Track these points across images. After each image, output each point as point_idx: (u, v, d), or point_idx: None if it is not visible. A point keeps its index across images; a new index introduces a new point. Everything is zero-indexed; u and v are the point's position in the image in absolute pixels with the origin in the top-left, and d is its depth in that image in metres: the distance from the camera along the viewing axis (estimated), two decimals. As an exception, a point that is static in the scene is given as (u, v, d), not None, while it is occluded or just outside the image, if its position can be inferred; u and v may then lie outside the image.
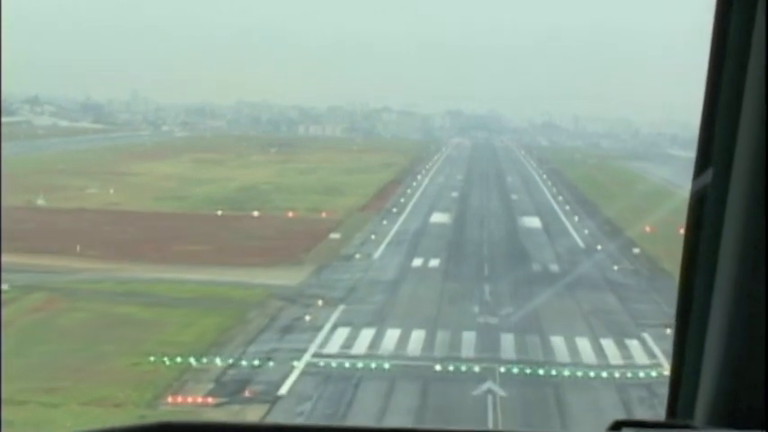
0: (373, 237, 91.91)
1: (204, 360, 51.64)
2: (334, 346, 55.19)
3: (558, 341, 58.06)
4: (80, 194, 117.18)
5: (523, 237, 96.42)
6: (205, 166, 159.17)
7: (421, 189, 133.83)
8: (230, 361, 51.65)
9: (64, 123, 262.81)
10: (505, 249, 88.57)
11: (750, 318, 3.54)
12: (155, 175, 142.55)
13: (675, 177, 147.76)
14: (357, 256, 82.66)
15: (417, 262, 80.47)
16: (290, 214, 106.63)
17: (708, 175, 3.64)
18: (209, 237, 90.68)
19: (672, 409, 3.88)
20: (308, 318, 61.06)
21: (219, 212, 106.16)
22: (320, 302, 64.89)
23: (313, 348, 54.56)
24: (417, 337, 57.50)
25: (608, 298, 69.87)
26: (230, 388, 47.38)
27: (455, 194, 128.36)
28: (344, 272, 75.82)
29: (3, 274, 61.46)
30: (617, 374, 53.14)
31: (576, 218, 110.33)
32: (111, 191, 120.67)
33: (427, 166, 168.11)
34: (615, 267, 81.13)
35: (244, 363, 51.60)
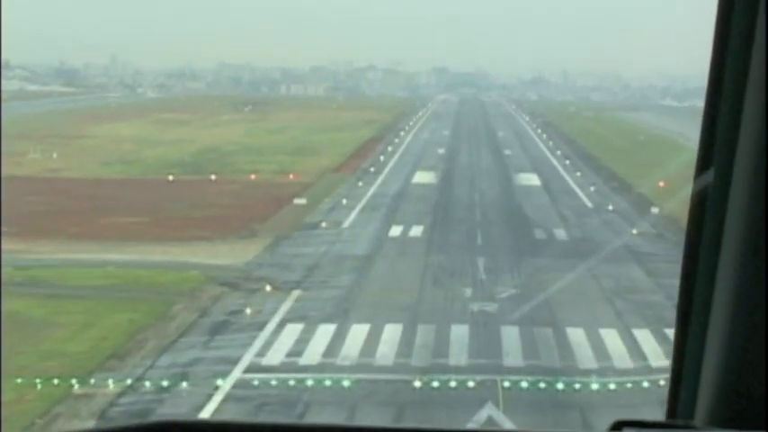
0: (345, 201, 76.65)
1: (92, 381, 36.39)
2: (277, 354, 39.75)
3: (577, 336, 42.87)
4: (19, 160, 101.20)
5: (521, 197, 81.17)
6: (169, 126, 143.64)
7: (403, 146, 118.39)
8: (128, 382, 36.41)
9: (33, 87, 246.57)
10: (501, 213, 73.29)
11: (751, 318, 3.48)
12: (111, 137, 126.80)
13: (677, 126, 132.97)
14: (323, 224, 67.38)
15: (395, 231, 65.16)
16: (253, 177, 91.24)
17: (709, 176, 3.55)
18: (151, 206, 75.25)
19: (672, 408, 3.77)
20: (248, 311, 45.75)
21: (171, 177, 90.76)
22: (268, 288, 49.73)
23: (248, 358, 39.21)
24: (391, 335, 42.20)
25: (633, 272, 54.65)
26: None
27: (441, 151, 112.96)
28: (306, 245, 60.52)
29: None
30: (662, 382, 37.99)
31: (579, 173, 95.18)
32: (54, 155, 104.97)
33: (411, 123, 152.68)
34: (634, 231, 65.96)
35: (147, 384, 36.22)
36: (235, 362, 38.66)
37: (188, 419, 3.18)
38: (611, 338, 42.64)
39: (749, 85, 3.47)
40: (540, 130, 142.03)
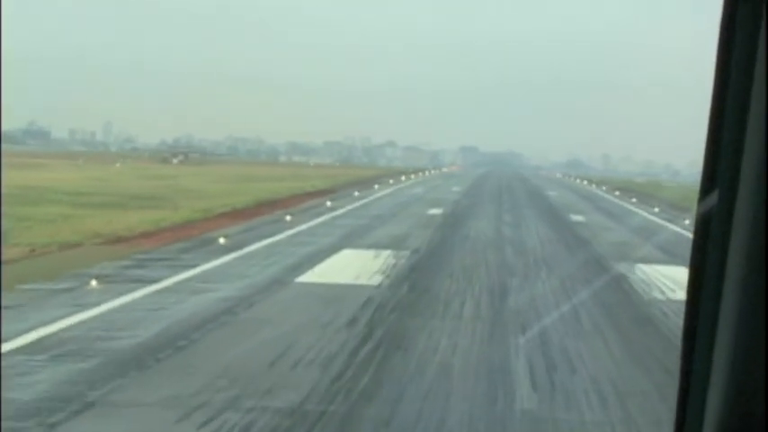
0: None
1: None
2: None
3: None
4: None
5: (653, 335, 17.54)
6: (13, 170, 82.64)
7: (361, 202, 54.90)
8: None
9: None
10: None
11: (757, 341, 3.21)
12: None
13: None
14: None
15: None
16: None
17: (714, 197, 3.28)
18: None
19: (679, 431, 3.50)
20: None
21: None
22: None
23: None
24: None
25: None
26: None
27: (435, 212, 49.27)
28: None
29: None
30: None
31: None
32: None
33: (402, 178, 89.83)
34: None
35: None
36: None
37: None
38: None
39: (752, 104, 3.20)
40: (618, 192, 78.57)
